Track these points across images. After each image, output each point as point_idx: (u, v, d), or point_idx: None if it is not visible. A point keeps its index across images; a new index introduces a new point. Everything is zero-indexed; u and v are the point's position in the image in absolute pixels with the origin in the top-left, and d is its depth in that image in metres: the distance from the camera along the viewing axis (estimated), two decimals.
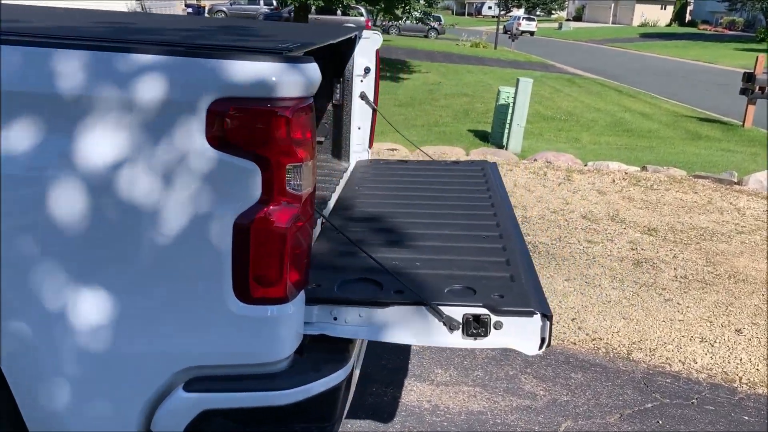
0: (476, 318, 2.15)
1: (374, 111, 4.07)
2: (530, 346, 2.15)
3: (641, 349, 4.52)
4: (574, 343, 4.55)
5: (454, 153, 9.89)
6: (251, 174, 1.88)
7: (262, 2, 36.97)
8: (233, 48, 1.91)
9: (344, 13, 24.39)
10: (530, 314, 2.14)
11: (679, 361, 4.40)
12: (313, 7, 26.52)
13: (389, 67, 22.40)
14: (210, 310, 1.96)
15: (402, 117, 14.18)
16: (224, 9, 37.11)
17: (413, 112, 14.96)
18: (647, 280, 5.63)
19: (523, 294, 2.23)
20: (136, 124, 1.84)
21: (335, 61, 3.94)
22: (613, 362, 4.35)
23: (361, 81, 3.99)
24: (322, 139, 4.12)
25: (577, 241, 6.47)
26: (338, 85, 3.98)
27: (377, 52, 3.98)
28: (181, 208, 1.88)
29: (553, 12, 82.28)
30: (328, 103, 4.06)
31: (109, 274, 1.94)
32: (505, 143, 10.96)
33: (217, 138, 1.86)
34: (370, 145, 4.16)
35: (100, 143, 1.85)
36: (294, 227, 1.97)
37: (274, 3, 36.30)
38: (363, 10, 27.53)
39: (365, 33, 3.93)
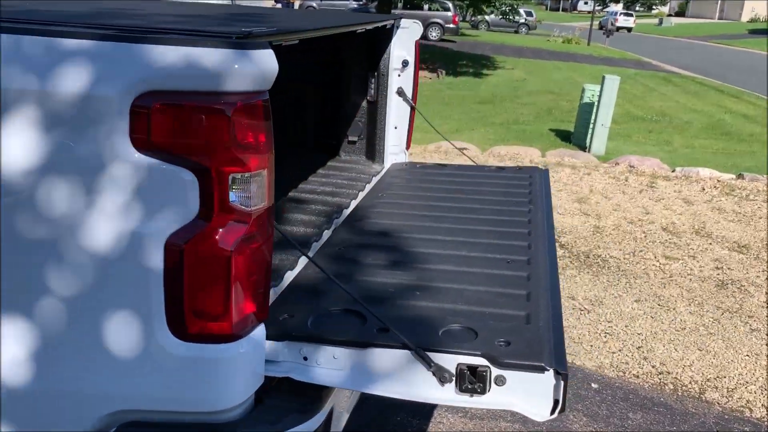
0: (472, 370, 1.72)
1: (413, 109, 3.66)
2: (539, 410, 1.71)
3: (717, 387, 3.92)
4: (637, 376, 3.99)
5: (528, 154, 9.32)
6: (186, 185, 1.54)
7: None
8: (164, 31, 1.56)
9: (419, 8, 23.89)
10: (541, 370, 1.69)
11: (763, 405, 3.76)
12: (400, 2, 26.24)
13: (472, 63, 21.81)
14: (140, 347, 1.63)
15: (480, 114, 13.66)
16: (314, 4, 37.39)
17: (493, 109, 14.39)
18: (732, 306, 4.96)
19: (536, 342, 1.78)
20: (45, 123, 1.53)
21: (369, 52, 3.56)
22: (682, 402, 3.77)
23: (399, 75, 3.59)
24: (355, 138, 3.75)
25: (654, 256, 5.82)
26: (373, 80, 3.60)
27: (417, 43, 3.57)
28: (103, 223, 1.56)
29: (653, 7, 78.58)
30: (362, 99, 3.68)
31: (20, 302, 1.64)
32: (587, 144, 10.26)
33: (143, 140, 1.52)
34: (408, 146, 3.76)
35: (3, 145, 1.55)
36: (243, 250, 1.61)
37: None
38: (450, 5, 26.95)
39: (403, 22, 3.52)
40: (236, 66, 1.50)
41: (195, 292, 1.60)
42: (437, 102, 15.02)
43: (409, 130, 3.72)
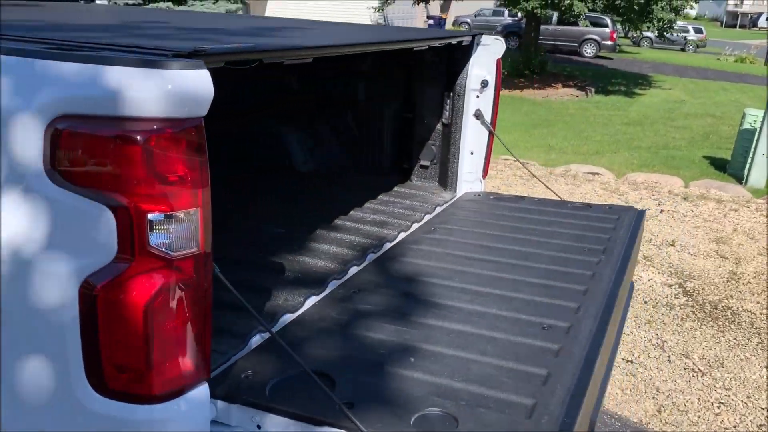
0: None
1: (491, 134, 3.30)
2: None
3: None
4: None
5: (669, 183, 8.45)
6: (103, 223, 1.34)
7: (506, 13, 36.48)
8: (83, 46, 1.37)
9: (574, 24, 22.81)
10: None
11: None
12: (555, 16, 25.29)
13: (626, 81, 20.51)
14: (56, 400, 1.45)
15: (626, 137, 12.71)
16: (468, 21, 37.29)
17: (642, 131, 13.35)
18: None
19: None
20: None
21: (445, 71, 3.25)
22: None
23: (477, 97, 3.25)
24: (427, 163, 3.45)
25: None
26: (448, 101, 3.28)
27: (498, 62, 3.21)
28: (16, 260, 1.40)
29: None
30: (437, 121, 3.38)
31: None
32: (744, 175, 9.15)
33: (59, 170, 1.34)
34: (485, 174, 3.39)
35: None
36: (166, 301, 1.38)
37: (520, 14, 35.75)
38: (608, 21, 25.60)
39: (484, 39, 3.18)
40: (155, 89, 1.27)
41: (112, 343, 1.40)
42: (581, 121, 14.22)
43: (486, 157, 3.36)
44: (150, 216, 1.33)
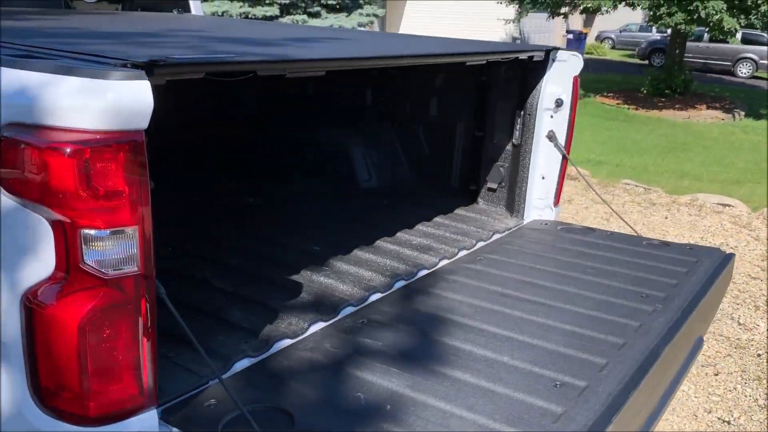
0: None
1: (564, 158, 3.02)
2: None
3: None
4: None
5: None
6: (43, 236, 1.30)
7: (654, 29, 34.68)
8: (35, 53, 1.33)
9: (721, 40, 21.08)
10: None
11: None
12: (706, 34, 23.64)
13: None
14: (3, 415, 1.43)
15: None
16: (612, 36, 35.81)
17: None
18: None
19: None
20: None
21: (517, 88, 3.03)
22: None
23: (551, 117, 2.99)
24: (494, 186, 3.22)
25: None
26: (519, 120, 3.05)
27: (575, 79, 2.94)
28: None
29: None
30: (507, 141, 3.15)
31: None
32: None
33: (3, 178, 1.32)
34: (557, 201, 3.11)
35: None
36: (101, 322, 1.32)
37: (668, 30, 33.88)
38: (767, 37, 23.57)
39: (560, 54, 2.92)
40: (91, 99, 1.21)
41: (50, 361, 1.35)
42: (723, 146, 13.11)
43: (559, 182, 3.08)
44: (84, 232, 1.27)
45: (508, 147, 3.15)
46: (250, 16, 13.02)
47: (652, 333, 1.97)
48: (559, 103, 2.96)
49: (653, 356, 1.84)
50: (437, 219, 3.03)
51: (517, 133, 3.08)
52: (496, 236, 2.88)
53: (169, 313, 1.97)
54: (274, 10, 14.02)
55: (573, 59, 2.93)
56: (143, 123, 1.27)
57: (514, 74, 3.04)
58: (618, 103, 15.78)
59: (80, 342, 1.31)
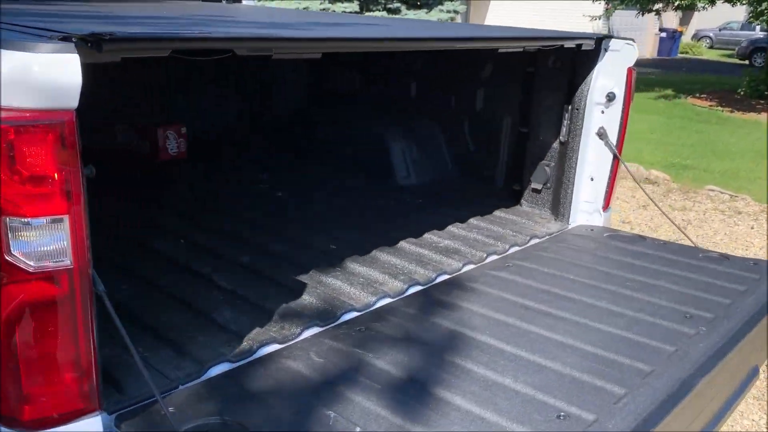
0: None
1: (616, 158, 2.74)
2: None
3: None
4: None
5: None
6: None
7: (758, 28, 32.70)
8: None
9: None
10: None
11: None
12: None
13: None
14: None
15: None
16: (710, 35, 34.09)
17: None
18: None
19: None
20: None
21: (566, 80, 2.77)
22: None
23: (602, 112, 2.72)
24: (539, 186, 2.97)
25: None
26: (566, 116, 2.79)
27: (630, 71, 2.66)
28: None
29: None
30: (554, 139, 2.89)
31: None
32: None
33: None
34: (606, 205, 2.83)
35: None
36: (31, 318, 1.21)
37: None
38: None
39: (613, 44, 2.65)
40: (11, 72, 1.10)
41: None
42: None
43: (609, 184, 2.80)
44: (8, 220, 1.16)
45: (555, 144, 2.90)
46: (334, 9, 13.01)
47: (688, 360, 1.70)
48: (610, 97, 2.69)
49: (684, 389, 1.57)
50: (472, 220, 2.81)
51: (564, 130, 2.82)
52: (534, 241, 2.64)
53: (156, 311, 1.87)
54: (354, 6, 13.98)
55: (627, 48, 2.65)
56: (72, 102, 1.15)
57: (562, 65, 2.79)
58: (711, 105, 14.84)
59: (6, 340, 1.21)
